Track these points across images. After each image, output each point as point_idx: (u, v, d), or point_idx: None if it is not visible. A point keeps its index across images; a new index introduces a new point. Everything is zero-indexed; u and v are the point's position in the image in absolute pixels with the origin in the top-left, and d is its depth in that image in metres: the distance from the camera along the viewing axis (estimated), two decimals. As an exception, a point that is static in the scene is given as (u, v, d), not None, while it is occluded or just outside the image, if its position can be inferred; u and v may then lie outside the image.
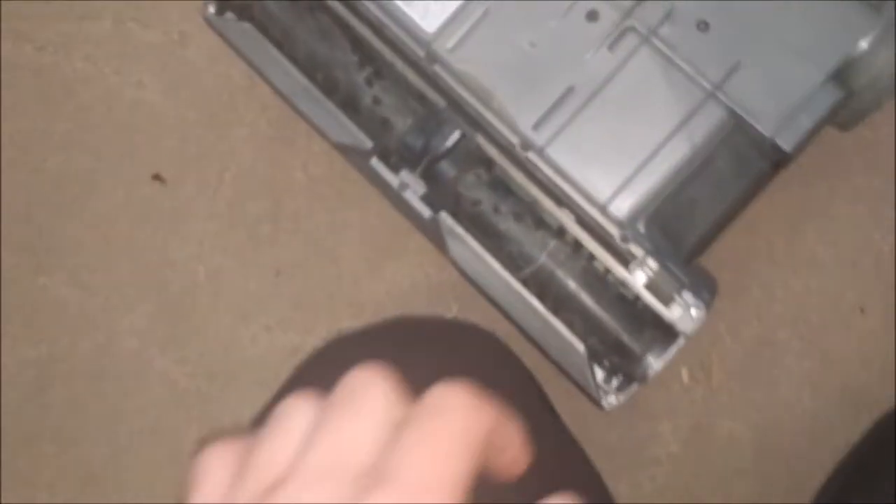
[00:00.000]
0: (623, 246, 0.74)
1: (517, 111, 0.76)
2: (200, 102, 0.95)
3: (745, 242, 0.90)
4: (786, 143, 0.73)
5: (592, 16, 0.76)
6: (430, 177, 0.79)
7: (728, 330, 0.90)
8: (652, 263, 0.74)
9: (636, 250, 0.74)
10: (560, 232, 0.76)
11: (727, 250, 0.84)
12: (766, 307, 0.92)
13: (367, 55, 0.80)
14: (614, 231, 0.74)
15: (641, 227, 0.75)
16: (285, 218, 0.92)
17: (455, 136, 0.78)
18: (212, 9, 0.82)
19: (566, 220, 0.75)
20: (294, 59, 0.81)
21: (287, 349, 0.92)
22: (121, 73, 1.00)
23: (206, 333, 0.92)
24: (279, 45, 0.82)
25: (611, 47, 0.76)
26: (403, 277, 0.90)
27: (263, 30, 0.82)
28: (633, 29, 0.75)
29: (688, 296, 0.74)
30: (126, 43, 0.99)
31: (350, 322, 0.86)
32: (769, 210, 0.87)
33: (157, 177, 0.96)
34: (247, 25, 0.81)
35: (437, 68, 0.77)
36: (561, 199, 0.75)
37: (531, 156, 0.75)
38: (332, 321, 0.89)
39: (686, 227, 0.76)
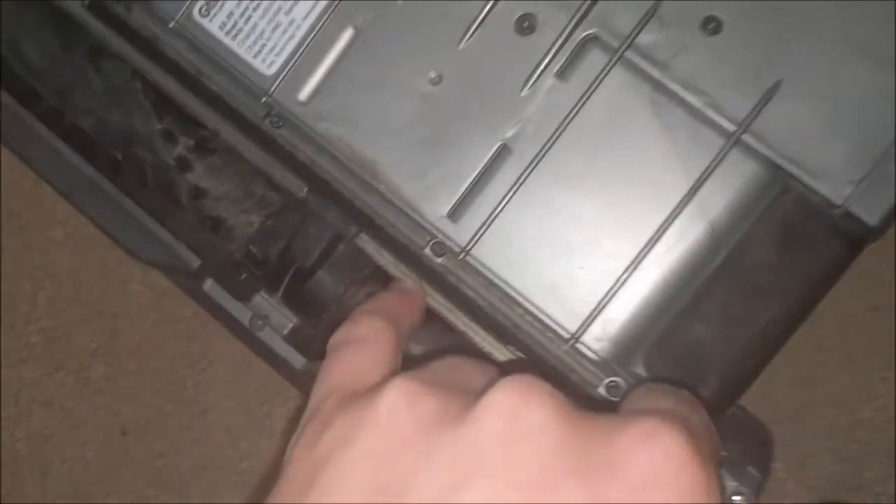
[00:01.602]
0: (612, 401, 0.45)
1: (419, 192, 0.46)
2: None
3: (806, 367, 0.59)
4: (868, 212, 0.43)
5: (526, 24, 0.46)
6: (299, 302, 0.49)
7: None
8: (661, 429, 0.43)
9: (633, 408, 0.43)
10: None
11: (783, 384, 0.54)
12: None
13: (180, 120, 0.50)
14: (594, 378, 0.44)
15: (641, 369, 0.45)
16: (125, 353, 0.62)
17: (326, 236, 0.48)
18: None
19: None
20: (75, 136, 0.52)
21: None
22: None
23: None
24: (51, 116, 0.52)
25: (561, 74, 0.46)
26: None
27: (26, 95, 0.52)
28: (594, 39, 0.45)
29: (728, 480, 0.44)
30: None
31: (229, 498, 0.57)
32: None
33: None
34: (4, 95, 0.52)
35: (286, 132, 0.47)
36: (502, 332, 0.45)
37: (446, 263, 0.45)
38: (204, 496, 0.59)
39: (715, 357, 0.46)
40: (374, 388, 0.29)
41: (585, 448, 0.26)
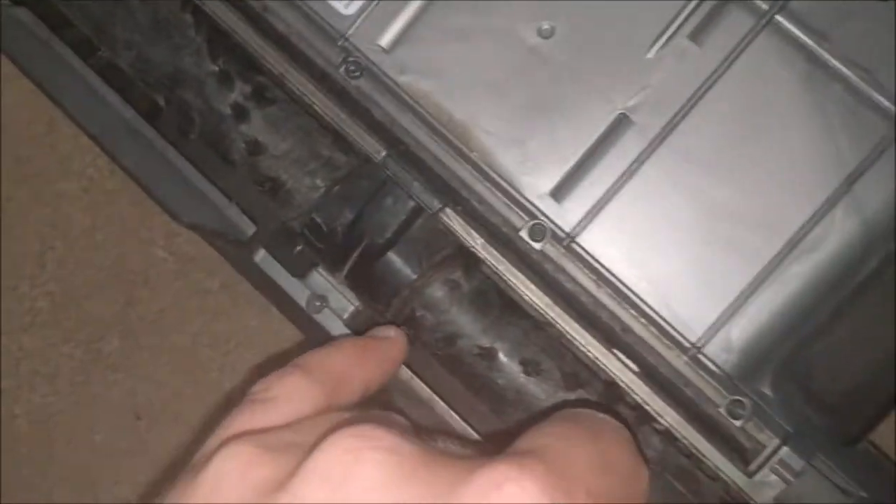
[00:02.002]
0: (732, 423, 0.38)
1: (518, 164, 0.39)
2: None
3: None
4: None
5: (660, -25, 0.38)
6: (365, 284, 0.42)
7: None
8: (791, 458, 0.37)
9: (759, 432, 0.37)
10: (609, 394, 0.40)
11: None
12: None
13: (237, 62, 0.43)
14: (715, 395, 0.38)
15: (767, 389, 0.38)
16: (143, 326, 0.55)
17: (405, 209, 0.41)
18: (-38, -16, 0.45)
19: (619, 372, 0.39)
20: (111, 71, 0.44)
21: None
22: None
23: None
24: (83, 47, 0.44)
25: (696, 36, 0.38)
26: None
27: (55, 21, 0.44)
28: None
29: (864, 526, 0.37)
30: None
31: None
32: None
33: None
34: (24, 13, 0.44)
35: (363, 84, 0.40)
36: (610, 335, 0.38)
37: (546, 249, 0.38)
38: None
39: (851, 383, 0.39)
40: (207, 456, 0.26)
41: None
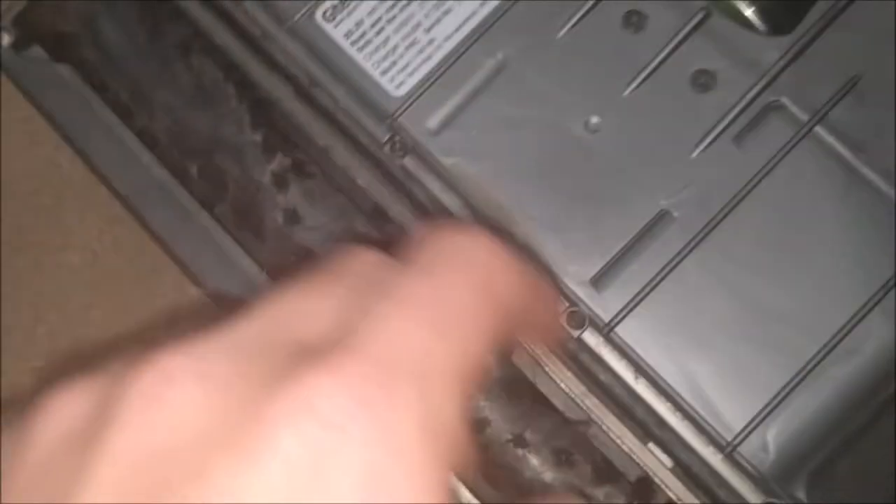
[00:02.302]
0: (767, 528, 0.37)
1: (559, 250, 0.39)
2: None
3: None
4: None
5: (703, 81, 0.40)
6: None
7: None
8: (828, 570, 0.36)
9: (795, 540, 0.36)
10: (641, 490, 0.38)
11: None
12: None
13: (278, 135, 0.43)
14: (751, 494, 0.36)
15: (802, 494, 0.37)
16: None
17: (439, 291, 0.39)
18: (6, 39, 0.44)
19: (654, 466, 0.37)
20: (147, 135, 0.43)
21: None
22: None
23: None
24: (120, 109, 0.44)
25: (739, 140, 0.39)
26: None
27: (95, 80, 0.44)
28: (780, 108, 0.40)
29: None
30: None
31: None
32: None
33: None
34: (66, 70, 0.44)
35: (409, 163, 0.40)
36: (645, 429, 0.37)
37: (588, 339, 0.38)
38: None
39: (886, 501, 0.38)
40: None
41: (230, 431, 0.18)
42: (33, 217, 0.56)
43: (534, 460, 0.40)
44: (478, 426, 0.40)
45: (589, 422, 0.39)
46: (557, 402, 0.41)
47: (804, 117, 0.40)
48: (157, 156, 0.43)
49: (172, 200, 0.42)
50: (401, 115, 0.42)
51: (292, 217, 0.42)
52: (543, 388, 0.42)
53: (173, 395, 0.18)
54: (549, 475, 0.39)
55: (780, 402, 0.38)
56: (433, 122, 0.42)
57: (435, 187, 0.41)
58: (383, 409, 0.17)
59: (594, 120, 0.41)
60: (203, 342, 0.19)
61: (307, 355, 0.18)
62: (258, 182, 0.43)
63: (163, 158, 0.43)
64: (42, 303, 0.55)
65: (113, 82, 0.45)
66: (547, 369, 0.39)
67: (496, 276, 0.21)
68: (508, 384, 0.41)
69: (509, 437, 0.39)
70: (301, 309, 0.20)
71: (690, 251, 0.40)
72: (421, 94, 0.42)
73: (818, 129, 0.40)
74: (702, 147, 0.41)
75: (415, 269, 0.20)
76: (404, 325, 0.19)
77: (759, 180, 0.40)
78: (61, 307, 0.54)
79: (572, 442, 0.40)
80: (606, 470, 0.40)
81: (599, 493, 0.39)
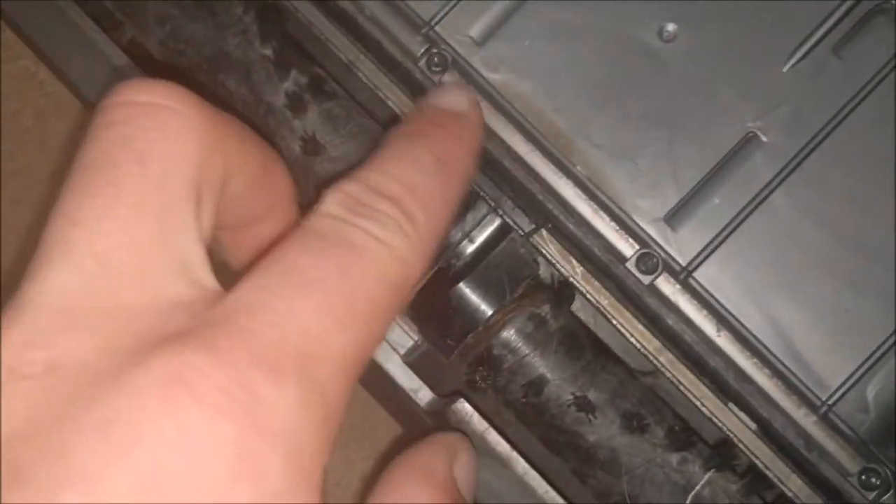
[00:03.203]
0: (865, 496, 0.32)
1: (628, 183, 0.33)
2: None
3: None
4: None
5: (798, -21, 0.33)
6: (432, 315, 0.36)
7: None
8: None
9: (899, 509, 0.32)
10: (724, 453, 0.34)
11: None
12: None
13: (292, 48, 0.36)
14: (848, 461, 0.32)
15: (909, 458, 0.33)
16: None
17: (490, 228, 0.34)
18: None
19: (736, 429, 0.33)
20: (136, 50, 0.37)
21: None
22: None
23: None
24: (105, 19, 0.37)
25: (841, 49, 0.34)
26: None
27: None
28: (889, 11, 0.33)
29: None
30: None
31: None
32: None
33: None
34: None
35: (450, 80, 0.33)
36: (727, 387, 0.32)
37: (658, 283, 0.32)
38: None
39: None
40: None
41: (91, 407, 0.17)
42: (13, 141, 0.49)
43: (599, 424, 0.35)
44: (536, 385, 0.35)
45: (659, 374, 0.34)
46: (624, 355, 0.36)
47: (917, 21, 0.34)
48: (148, 75, 0.36)
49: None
50: (438, 22, 0.35)
51: (312, 146, 0.35)
52: (609, 340, 0.37)
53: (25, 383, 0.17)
54: (616, 440, 0.35)
55: (882, 356, 0.33)
56: (477, 30, 0.35)
57: (486, 115, 0.34)
58: (264, 393, 0.16)
59: (670, 27, 0.35)
60: (66, 320, 0.17)
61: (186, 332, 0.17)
62: (270, 104, 0.36)
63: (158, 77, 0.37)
64: (31, 238, 0.49)
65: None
66: (614, 322, 0.34)
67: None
68: (567, 336, 0.35)
69: (570, 398, 0.34)
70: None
71: (781, 182, 0.34)
72: (463, -3, 0.35)
73: (934, 34, 0.34)
74: (796, 58, 0.34)
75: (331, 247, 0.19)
76: (303, 311, 0.18)
77: (863, 98, 0.34)
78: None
79: (640, 400, 0.35)
80: (682, 433, 0.35)
81: (673, 458, 0.34)
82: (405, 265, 0.20)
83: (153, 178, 0.19)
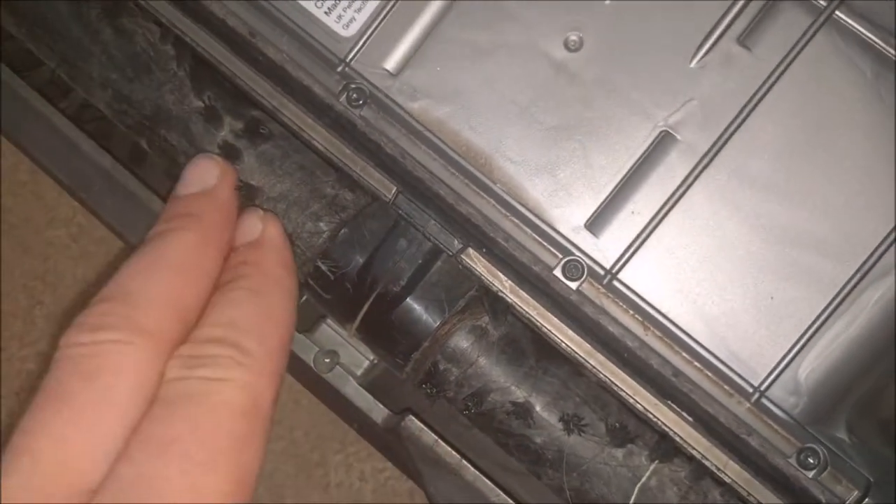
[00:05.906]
0: (804, 475, 0.32)
1: (548, 194, 0.33)
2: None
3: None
4: None
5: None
6: (380, 336, 0.37)
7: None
8: (878, 517, 0.32)
9: (836, 484, 0.31)
10: (663, 447, 0.34)
11: None
12: None
13: (226, 97, 0.37)
14: (784, 444, 0.32)
15: (842, 434, 0.33)
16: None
17: (422, 251, 0.35)
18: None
19: (673, 424, 0.33)
20: (80, 117, 0.38)
21: None
22: None
23: None
24: (49, 90, 0.39)
25: (745, 39, 0.33)
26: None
27: (21, 62, 0.39)
28: (791, -6, 0.33)
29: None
30: None
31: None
32: None
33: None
34: (-12, 53, 0.38)
35: (369, 113, 0.34)
36: (661, 383, 0.33)
37: (584, 289, 0.33)
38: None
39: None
40: None
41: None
42: (13, 196, 0.51)
43: (544, 426, 0.35)
44: (479, 396, 0.35)
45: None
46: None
47: (822, 2, 0.33)
48: (102, 139, 0.38)
49: (121, 188, 0.37)
50: (354, 58, 0.36)
51: (248, 192, 0.37)
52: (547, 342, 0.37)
53: None
54: (561, 441, 0.35)
55: (810, 338, 0.33)
56: (392, 61, 0.36)
57: (401, 138, 0.35)
58: None
59: (574, 36, 0.35)
60: None
61: None
62: (210, 153, 0.37)
63: (107, 139, 0.38)
64: (35, 286, 0.51)
65: (42, 56, 0.39)
66: (545, 330, 0.34)
67: None
68: (508, 344, 0.36)
69: (510, 406, 0.35)
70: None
71: (698, 177, 0.34)
72: (374, 31, 0.36)
73: (839, 14, 0.33)
74: (702, 53, 0.34)
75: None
76: (170, 476, 0.20)
77: (773, 84, 0.33)
78: (55, 286, 0.50)
79: (584, 399, 0.36)
80: (625, 428, 0.35)
81: (619, 453, 0.35)
82: (251, 389, 0.21)
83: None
